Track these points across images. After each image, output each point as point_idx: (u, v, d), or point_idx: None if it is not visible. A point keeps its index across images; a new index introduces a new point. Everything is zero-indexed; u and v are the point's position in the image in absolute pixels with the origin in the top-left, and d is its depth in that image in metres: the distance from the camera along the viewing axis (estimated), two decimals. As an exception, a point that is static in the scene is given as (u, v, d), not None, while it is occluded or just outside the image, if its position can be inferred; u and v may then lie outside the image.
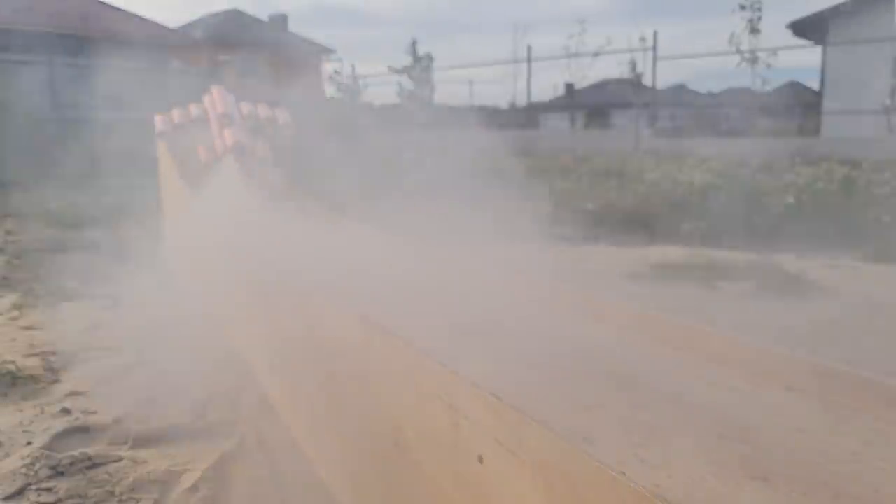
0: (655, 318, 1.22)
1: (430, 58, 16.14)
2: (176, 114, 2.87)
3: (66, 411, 1.94)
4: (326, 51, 22.58)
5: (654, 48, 11.54)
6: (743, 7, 10.01)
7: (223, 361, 2.36)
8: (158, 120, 2.86)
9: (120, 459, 1.67)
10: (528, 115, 14.17)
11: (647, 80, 12.53)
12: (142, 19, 20.15)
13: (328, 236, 2.46)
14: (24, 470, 1.59)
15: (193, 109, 2.90)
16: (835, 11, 12.32)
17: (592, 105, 19.98)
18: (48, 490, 1.52)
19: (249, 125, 2.80)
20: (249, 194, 2.54)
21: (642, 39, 12.07)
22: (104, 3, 20.02)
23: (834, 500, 0.66)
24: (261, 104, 2.87)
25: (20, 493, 1.51)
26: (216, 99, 2.85)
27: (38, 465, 1.61)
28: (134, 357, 2.43)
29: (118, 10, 20.05)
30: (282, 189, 2.69)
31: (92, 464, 1.64)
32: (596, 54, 13.01)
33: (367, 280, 1.78)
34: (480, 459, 0.86)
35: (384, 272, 1.89)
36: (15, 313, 3.04)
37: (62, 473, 1.59)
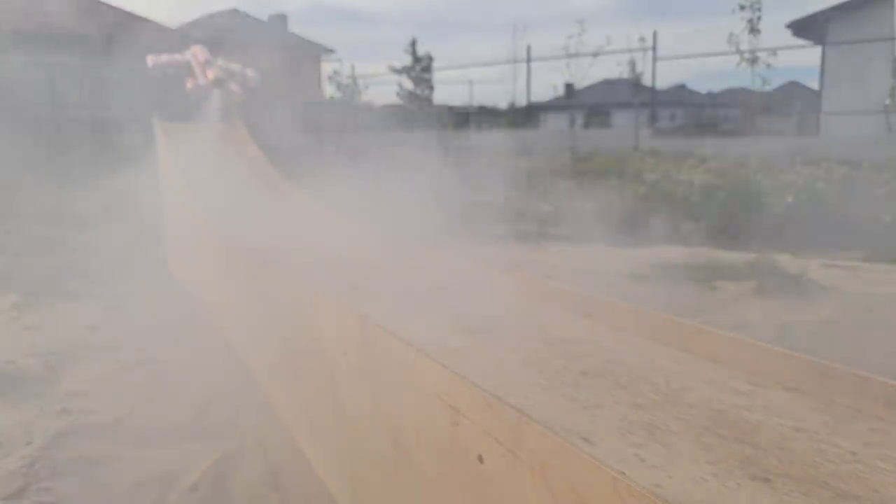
0: (655, 318, 1.22)
1: (429, 58, 16.15)
2: (165, 57, 3.50)
3: (66, 411, 1.94)
4: (326, 51, 22.58)
5: (654, 48, 11.54)
6: (743, 7, 9.99)
7: (222, 361, 2.36)
8: (149, 59, 3.50)
9: (120, 459, 1.67)
10: (527, 115, 14.16)
11: (646, 80, 12.53)
12: (142, 19, 20.16)
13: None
14: (24, 470, 1.59)
15: (178, 56, 3.53)
16: (834, 11, 12.31)
17: (592, 105, 19.98)
18: (48, 490, 1.52)
19: (224, 71, 3.58)
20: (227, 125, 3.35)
21: (642, 39, 12.07)
22: (104, 3, 20.03)
23: (834, 500, 0.66)
24: (233, 62, 3.60)
25: (20, 493, 1.51)
26: (197, 51, 3.52)
27: (38, 465, 1.61)
28: (134, 357, 2.43)
29: (118, 10, 20.05)
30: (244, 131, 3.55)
31: (92, 464, 1.64)
32: (595, 54, 12.99)
33: (364, 276, 1.78)
34: (480, 459, 0.86)
35: (381, 270, 1.89)
36: (15, 313, 3.04)
37: (62, 473, 1.59)
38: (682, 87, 24.70)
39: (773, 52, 9.93)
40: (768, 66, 9.83)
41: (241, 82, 3.58)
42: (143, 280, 3.63)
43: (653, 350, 1.16)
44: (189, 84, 3.49)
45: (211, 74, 3.43)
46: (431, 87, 16.50)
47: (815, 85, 13.52)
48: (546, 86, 21.61)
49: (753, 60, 9.78)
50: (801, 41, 13.48)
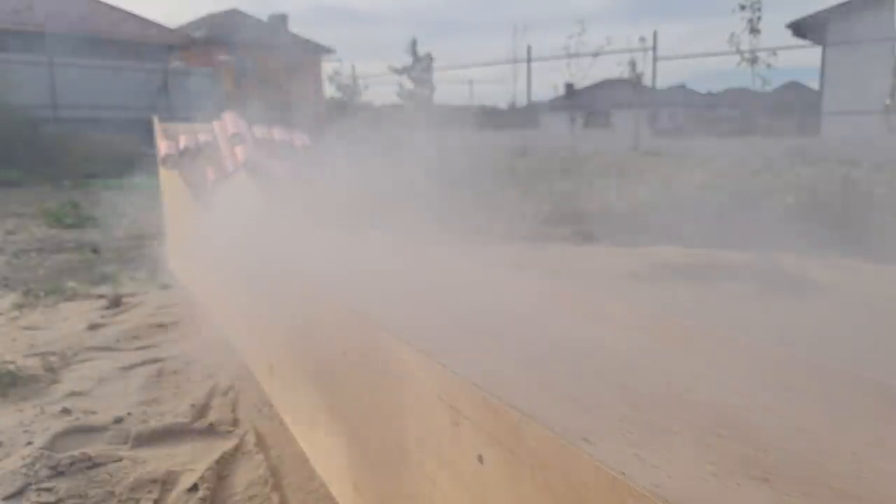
0: (655, 318, 1.22)
1: (430, 58, 16.16)
2: (182, 138, 2.58)
3: (66, 411, 1.94)
4: (326, 51, 22.57)
5: (654, 48, 11.55)
6: (743, 7, 9.99)
7: (223, 360, 2.36)
8: (162, 146, 2.58)
9: (120, 459, 1.67)
10: (527, 115, 14.17)
11: (647, 80, 12.53)
12: (142, 19, 20.17)
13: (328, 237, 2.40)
14: (24, 470, 1.59)
15: (202, 134, 2.61)
16: (834, 11, 12.32)
17: (592, 105, 19.98)
18: (48, 490, 1.52)
19: (264, 147, 2.56)
20: (263, 208, 2.35)
21: (642, 39, 12.07)
22: (104, 3, 20.02)
23: (834, 500, 0.65)
24: (276, 127, 2.58)
25: (20, 493, 1.51)
26: (227, 122, 2.63)
27: (38, 465, 1.61)
28: (134, 357, 2.44)
29: (118, 10, 20.06)
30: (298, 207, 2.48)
31: (92, 464, 1.64)
32: (596, 54, 13.00)
33: (364, 275, 1.78)
34: (480, 459, 0.86)
35: (381, 270, 1.89)
36: (15, 313, 3.04)
37: (62, 473, 1.59)
38: (682, 87, 24.71)
39: (773, 52, 9.93)
40: (768, 66, 9.84)
41: (288, 160, 2.49)
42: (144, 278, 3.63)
43: (653, 350, 1.16)
44: (210, 174, 2.44)
45: (241, 154, 2.39)
46: (432, 87, 16.51)
47: (815, 85, 13.52)
48: (546, 86, 21.61)
49: (753, 60, 9.78)
50: (801, 41, 13.49)
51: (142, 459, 1.67)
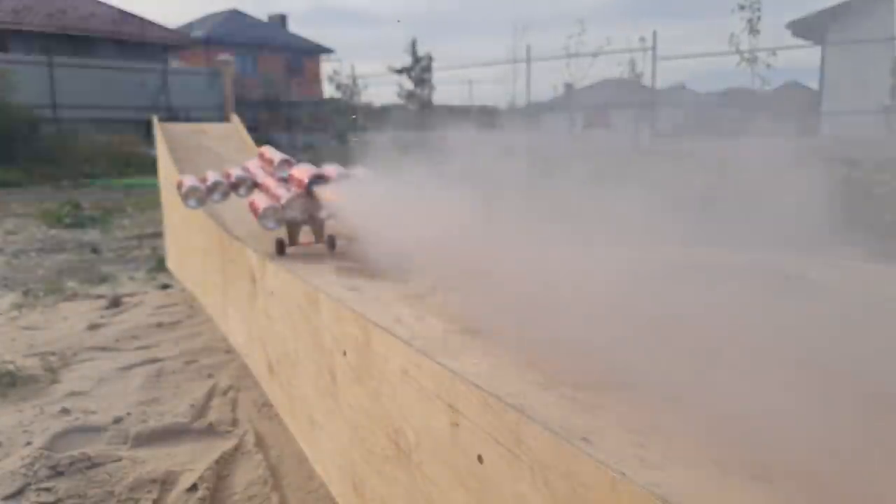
0: (655, 318, 1.22)
1: (429, 57, 16.16)
2: (210, 174, 2.27)
3: (65, 411, 1.94)
4: (326, 51, 22.57)
5: (654, 48, 11.56)
6: (742, 7, 10.01)
7: (222, 360, 2.36)
8: (185, 181, 2.24)
9: (119, 459, 1.67)
10: (527, 115, 14.18)
11: (646, 80, 12.55)
12: (142, 19, 20.18)
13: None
14: (23, 470, 1.59)
15: (234, 171, 2.31)
16: (834, 11, 12.32)
17: (592, 105, 19.97)
18: (48, 490, 1.52)
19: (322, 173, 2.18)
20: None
21: (642, 39, 12.10)
22: (104, 3, 20.03)
23: (834, 500, 0.65)
24: (329, 166, 2.17)
25: (20, 492, 1.51)
26: (268, 154, 2.34)
27: (37, 465, 1.61)
28: (134, 357, 2.43)
29: (118, 9, 20.07)
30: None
31: (91, 464, 1.64)
32: (595, 54, 13.03)
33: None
34: (480, 459, 0.86)
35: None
36: (14, 313, 3.04)
37: (61, 473, 1.59)
38: (682, 87, 24.69)
39: (773, 52, 9.94)
40: (768, 66, 9.85)
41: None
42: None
43: (653, 350, 1.15)
44: (257, 203, 2.06)
45: (303, 175, 2.03)
46: (432, 87, 16.52)
47: (815, 85, 13.53)
48: (546, 86, 21.55)
49: (753, 60, 9.80)
50: (801, 41, 13.49)
51: (141, 459, 1.67)
